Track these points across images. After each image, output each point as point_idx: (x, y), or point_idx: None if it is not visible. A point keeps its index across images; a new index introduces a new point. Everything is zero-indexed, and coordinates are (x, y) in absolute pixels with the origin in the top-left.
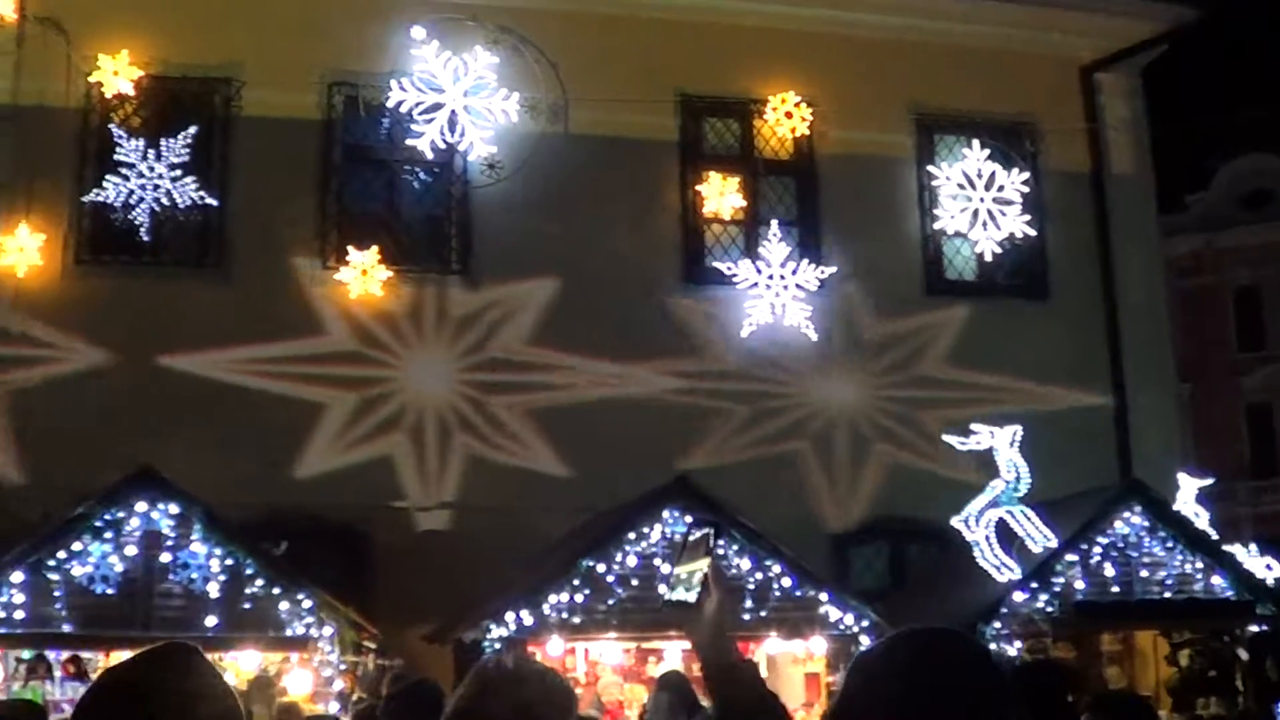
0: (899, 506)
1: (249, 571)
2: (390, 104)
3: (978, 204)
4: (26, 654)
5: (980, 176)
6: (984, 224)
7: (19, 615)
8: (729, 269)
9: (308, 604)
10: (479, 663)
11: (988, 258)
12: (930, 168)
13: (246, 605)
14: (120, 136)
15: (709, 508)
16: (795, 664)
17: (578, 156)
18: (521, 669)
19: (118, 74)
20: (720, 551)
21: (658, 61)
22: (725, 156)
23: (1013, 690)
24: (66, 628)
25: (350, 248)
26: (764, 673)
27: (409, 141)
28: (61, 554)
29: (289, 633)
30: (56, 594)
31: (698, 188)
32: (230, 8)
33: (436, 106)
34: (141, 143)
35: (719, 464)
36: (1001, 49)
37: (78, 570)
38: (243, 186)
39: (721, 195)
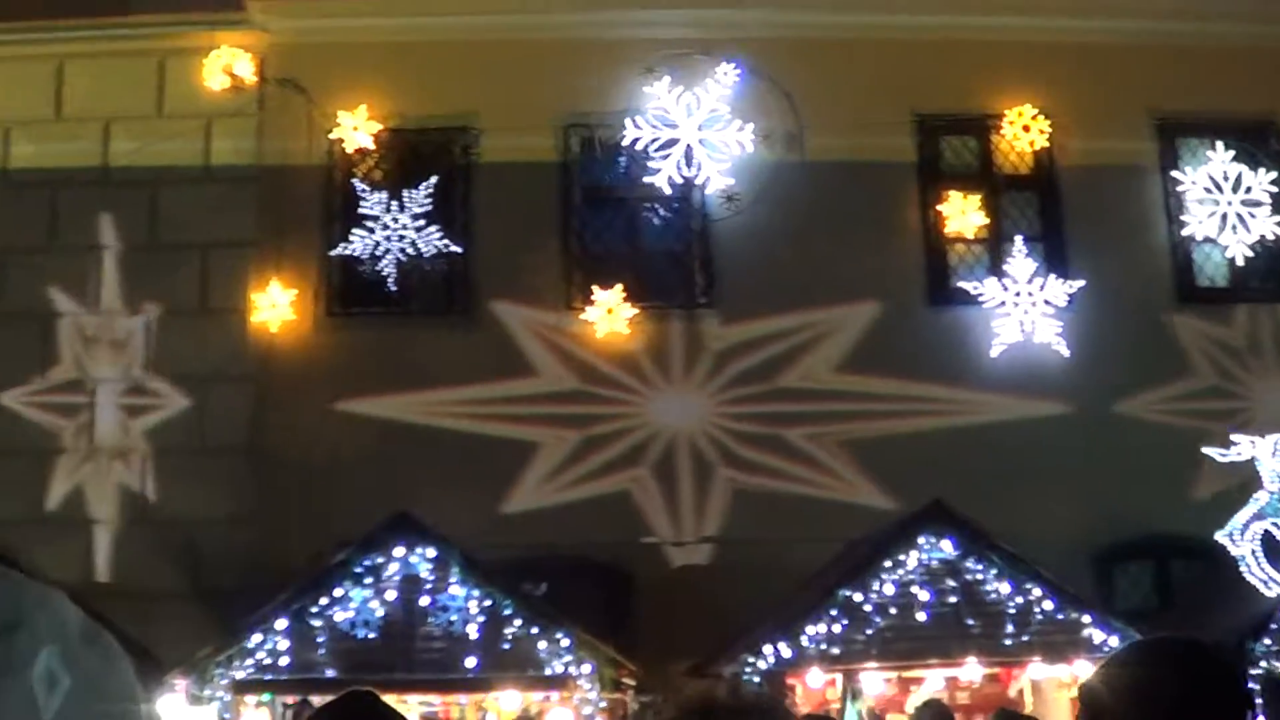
0: (1161, 523)
1: (507, 612)
2: (626, 142)
3: (1225, 207)
4: (290, 700)
5: (1226, 179)
6: (1233, 227)
7: (284, 662)
8: (974, 288)
9: (566, 642)
10: (701, 692)
11: (1239, 262)
12: (1174, 173)
13: (506, 645)
14: (363, 190)
15: (965, 532)
16: (1061, 689)
17: (815, 183)
18: (744, 699)
19: (357, 129)
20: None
21: (891, 83)
22: (964, 174)
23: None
24: (330, 673)
25: (594, 287)
26: (1028, 699)
27: (646, 178)
28: (323, 600)
29: (548, 672)
30: (319, 640)
31: (938, 207)
32: (463, 58)
33: (672, 142)
34: (384, 195)
35: (973, 488)
36: (1241, 46)
37: (340, 616)
38: (485, 232)
39: (963, 214)
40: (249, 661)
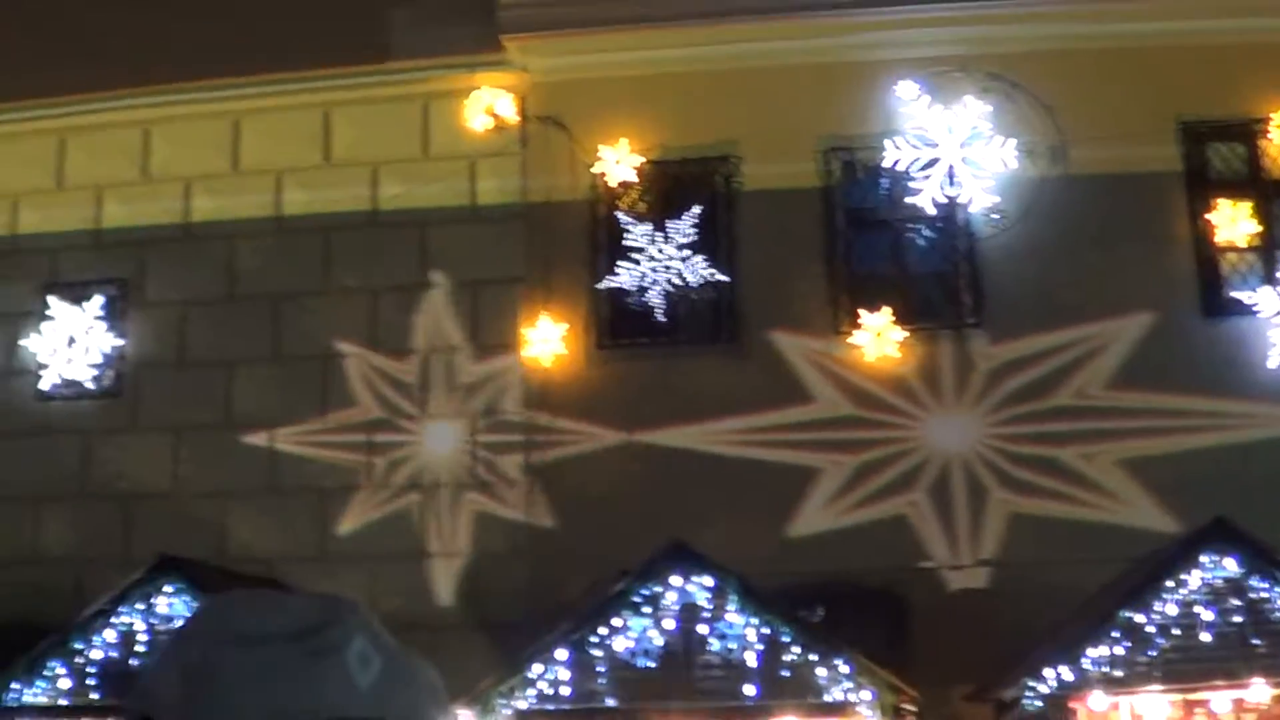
0: None
1: (785, 639)
2: (887, 163)
3: None
4: None
5: None
6: None
7: (565, 691)
8: (1248, 298)
9: (845, 669)
10: None
11: None
12: None
13: (784, 673)
14: (628, 223)
15: (1249, 549)
16: None
17: (1080, 197)
18: None
19: (619, 162)
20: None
21: (1153, 90)
22: (1233, 181)
23: None
24: (610, 702)
25: (861, 311)
26: None
27: (909, 199)
28: (603, 630)
29: (828, 698)
30: (599, 669)
31: (1207, 216)
32: (721, 87)
33: (933, 161)
34: (649, 227)
35: (1256, 504)
36: None
37: (619, 645)
38: (750, 260)
39: (1233, 222)
40: (531, 692)
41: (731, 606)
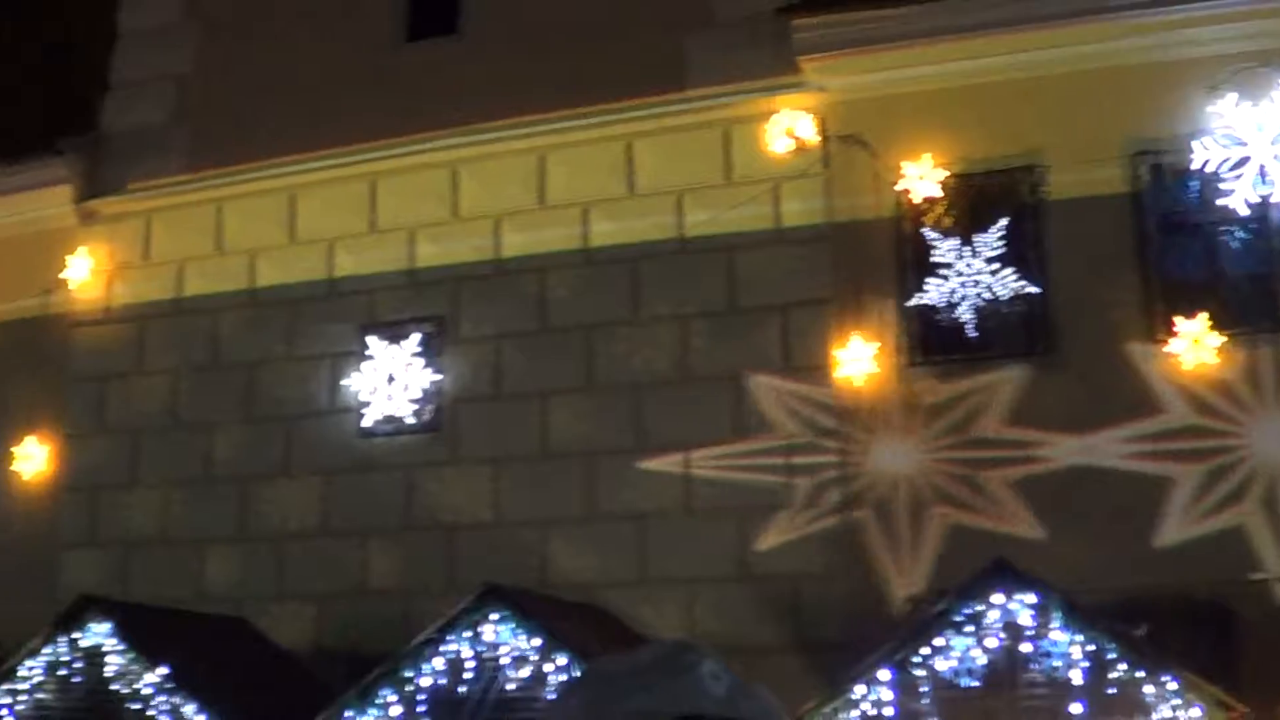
0: None
1: (1111, 656)
2: (1195, 165)
3: None
4: None
5: None
6: None
7: (888, 712)
8: None
9: (1173, 686)
10: None
11: None
12: None
13: (1111, 690)
14: (934, 238)
15: None
16: None
17: None
18: None
19: (923, 178)
20: None
21: None
22: None
23: None
24: None
25: (1176, 318)
26: None
27: (1220, 201)
28: (925, 650)
29: (1155, 716)
30: (923, 689)
31: None
32: (1023, 96)
33: (1243, 160)
34: (955, 241)
35: None
36: None
37: (941, 665)
38: (1060, 270)
39: None
40: (854, 713)
41: (1055, 624)
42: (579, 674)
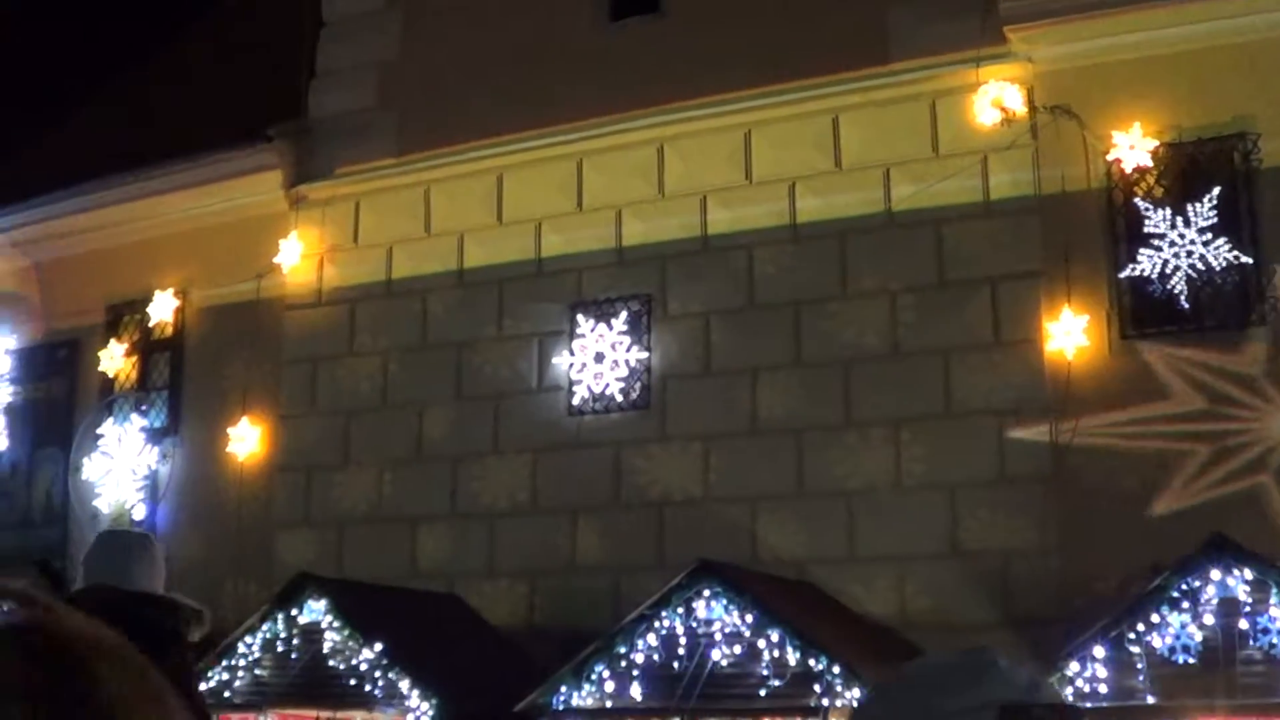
0: None
1: None
2: None
3: None
4: None
5: None
6: None
7: (1102, 689)
8: None
9: None
10: None
11: None
12: None
13: None
14: (1145, 209)
15: None
16: None
17: None
18: None
19: (1134, 148)
20: None
21: None
22: None
23: None
24: (1150, 699)
25: None
26: None
27: None
28: (1140, 626)
29: None
30: (1138, 666)
31: None
32: (1234, 62)
33: None
34: (1167, 211)
35: None
36: None
37: (1157, 642)
38: (1275, 239)
39: None
40: (1068, 690)
41: (1274, 600)
42: (885, 681)
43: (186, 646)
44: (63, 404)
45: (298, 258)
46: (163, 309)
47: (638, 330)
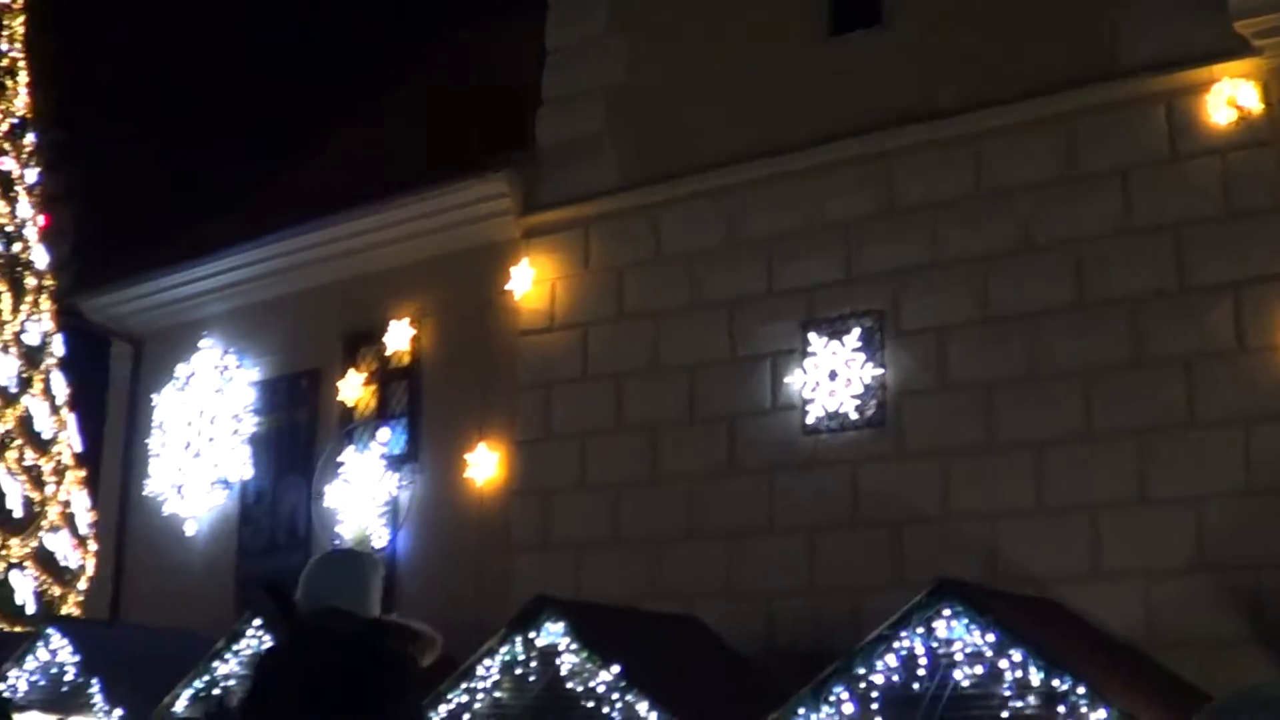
0: None
1: None
2: None
3: None
4: None
5: None
6: None
7: None
8: None
9: None
10: None
11: None
12: None
13: None
14: None
15: None
16: None
17: None
18: None
19: None
20: None
21: None
22: None
23: None
24: None
25: None
26: None
27: None
28: None
29: None
30: None
31: None
32: None
33: None
34: None
35: None
36: None
37: None
38: None
39: None
40: None
41: None
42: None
43: (417, 673)
44: (304, 433)
45: (529, 284)
46: (399, 338)
47: (871, 347)
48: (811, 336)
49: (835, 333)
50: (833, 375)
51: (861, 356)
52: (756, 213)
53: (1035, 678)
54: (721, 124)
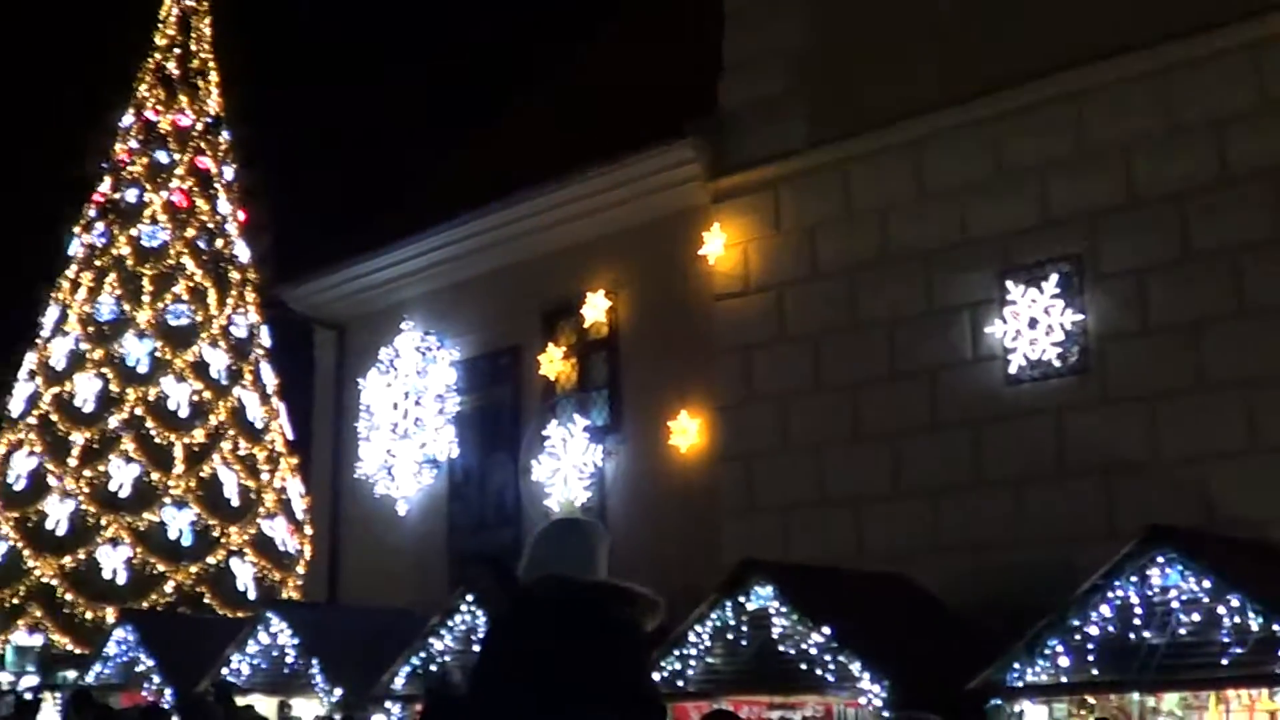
0: None
1: None
2: None
3: None
4: None
5: None
6: None
7: None
8: None
9: None
10: None
11: None
12: None
13: None
14: None
15: None
16: None
17: None
18: None
19: None
20: None
21: None
22: None
23: None
24: None
25: None
26: None
27: None
28: None
29: None
30: None
31: None
32: None
33: None
34: None
35: None
36: None
37: None
38: None
39: None
40: None
41: None
42: None
43: (643, 636)
44: (508, 409)
45: (722, 249)
46: (595, 310)
47: (1070, 292)
48: (1009, 284)
49: (1033, 280)
50: (1033, 323)
51: (1061, 303)
52: (946, 162)
53: (1254, 623)
54: (906, 75)
